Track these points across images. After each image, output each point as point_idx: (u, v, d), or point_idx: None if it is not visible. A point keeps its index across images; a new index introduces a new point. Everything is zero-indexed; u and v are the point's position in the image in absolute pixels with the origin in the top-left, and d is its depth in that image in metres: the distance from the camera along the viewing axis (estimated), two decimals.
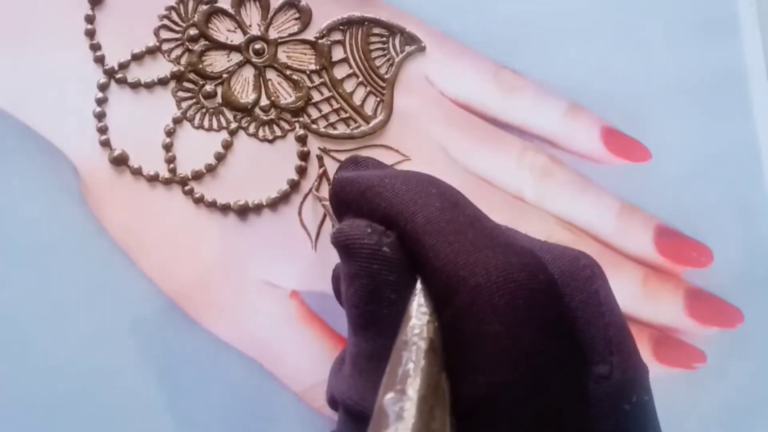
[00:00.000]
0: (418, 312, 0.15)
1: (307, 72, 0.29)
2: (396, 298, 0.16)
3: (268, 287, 0.28)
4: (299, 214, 0.28)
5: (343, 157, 0.28)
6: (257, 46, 0.29)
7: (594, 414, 0.15)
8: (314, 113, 0.29)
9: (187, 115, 0.28)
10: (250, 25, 0.29)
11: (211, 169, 0.28)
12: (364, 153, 0.28)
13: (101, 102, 0.28)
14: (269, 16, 0.29)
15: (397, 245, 0.16)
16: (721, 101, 0.30)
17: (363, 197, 0.18)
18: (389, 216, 0.17)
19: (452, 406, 0.14)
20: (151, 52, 0.28)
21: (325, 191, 0.28)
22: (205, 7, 0.28)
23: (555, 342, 0.15)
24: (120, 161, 0.28)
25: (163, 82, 0.28)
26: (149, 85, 0.28)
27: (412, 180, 0.18)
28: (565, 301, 0.16)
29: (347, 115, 0.29)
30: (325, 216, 0.27)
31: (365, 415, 0.15)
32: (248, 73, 0.29)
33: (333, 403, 0.20)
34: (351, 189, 0.19)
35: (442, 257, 0.15)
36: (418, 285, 0.16)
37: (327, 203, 0.25)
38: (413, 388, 0.14)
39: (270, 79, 0.29)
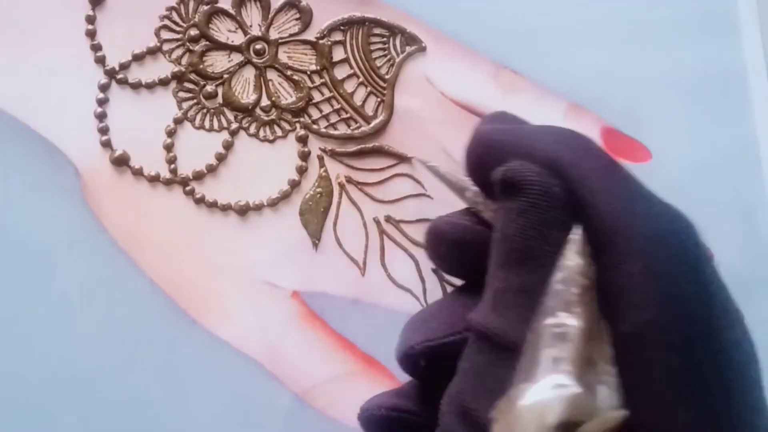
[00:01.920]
0: (579, 254, 0.16)
1: (308, 72, 0.29)
2: (560, 236, 0.16)
3: (269, 287, 0.28)
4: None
5: (342, 157, 0.28)
6: (258, 47, 0.29)
7: (730, 374, 0.16)
8: (315, 113, 0.29)
9: (188, 116, 0.28)
10: (251, 26, 0.29)
11: (212, 169, 0.28)
12: (366, 152, 0.28)
13: (102, 102, 0.28)
14: (270, 16, 0.29)
15: (564, 188, 0.17)
16: (721, 101, 0.30)
17: (521, 143, 0.18)
18: (552, 160, 0.17)
19: (611, 341, 0.15)
20: (152, 52, 0.28)
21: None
22: (205, 7, 0.28)
23: (706, 298, 0.16)
24: (121, 162, 0.28)
25: (164, 82, 0.28)
26: (150, 86, 0.28)
27: (573, 133, 0.18)
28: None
29: (348, 115, 0.29)
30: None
31: (511, 346, 0.16)
32: (249, 73, 0.29)
33: (407, 357, 0.20)
34: (505, 136, 0.19)
35: (608, 200, 0.16)
36: (578, 229, 0.16)
37: (436, 165, 0.25)
38: (576, 318, 0.15)
39: (271, 80, 0.29)
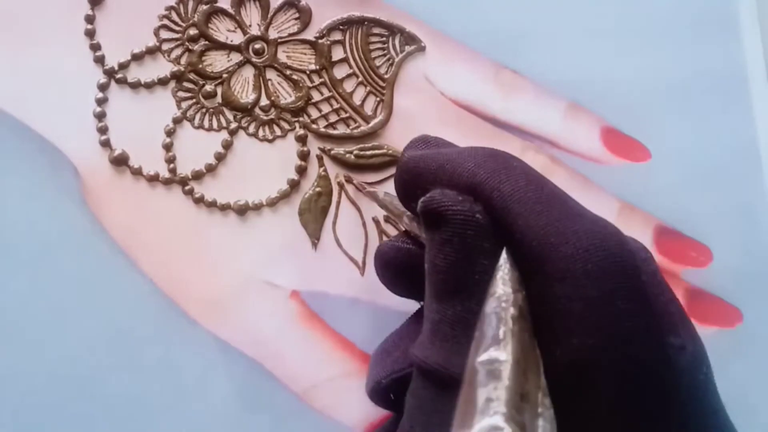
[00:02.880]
0: (505, 280, 0.16)
1: (307, 72, 0.29)
2: (487, 264, 0.16)
3: (269, 287, 0.28)
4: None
5: (343, 157, 0.28)
6: (257, 46, 0.29)
7: (675, 382, 0.15)
8: (314, 113, 0.29)
9: (187, 115, 0.28)
10: (250, 25, 0.29)
11: (211, 169, 0.28)
12: (369, 152, 0.28)
13: (101, 102, 0.28)
14: (269, 15, 0.29)
15: (485, 214, 0.16)
16: (722, 101, 0.30)
17: (442, 170, 0.18)
18: (473, 185, 0.17)
19: (545, 371, 0.15)
20: (151, 52, 0.28)
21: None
22: (205, 7, 0.28)
23: (643, 309, 0.15)
24: (120, 161, 0.28)
25: (163, 82, 0.28)
26: (149, 85, 0.28)
27: (494, 153, 0.18)
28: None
29: (347, 115, 0.29)
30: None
31: (450, 379, 0.16)
32: (248, 73, 0.29)
33: (376, 393, 0.20)
34: (427, 163, 0.19)
35: (531, 224, 0.16)
36: (504, 254, 0.16)
37: (375, 191, 0.25)
38: (507, 351, 0.14)
39: (270, 79, 0.29)
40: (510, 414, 0.13)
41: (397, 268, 0.21)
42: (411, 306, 0.28)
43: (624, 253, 0.15)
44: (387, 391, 0.20)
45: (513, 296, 0.15)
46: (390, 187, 0.28)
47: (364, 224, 0.28)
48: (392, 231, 0.28)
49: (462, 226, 0.16)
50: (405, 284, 0.21)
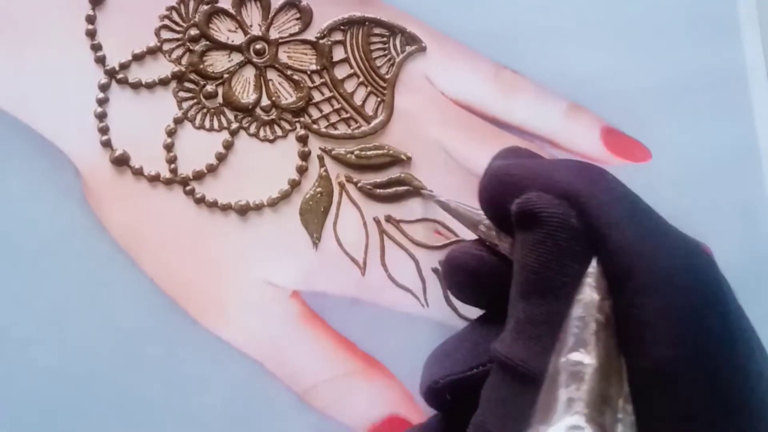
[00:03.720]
0: (594, 287, 0.16)
1: (308, 72, 0.29)
2: (577, 268, 0.16)
3: (269, 287, 0.28)
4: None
5: (344, 157, 0.28)
6: (258, 47, 0.29)
7: (755, 405, 0.15)
8: (315, 113, 0.29)
9: (188, 116, 0.28)
10: (251, 26, 0.29)
11: (212, 169, 0.28)
12: (370, 152, 0.28)
13: (102, 102, 0.28)
14: (270, 16, 0.29)
15: (581, 220, 0.17)
16: (721, 101, 0.30)
17: (538, 176, 0.18)
18: (570, 192, 0.17)
19: (629, 378, 0.15)
20: (152, 52, 0.28)
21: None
22: (205, 7, 0.28)
23: (727, 329, 0.15)
24: (121, 161, 0.28)
25: (164, 82, 0.28)
26: (150, 86, 0.28)
27: (590, 165, 0.18)
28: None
29: (348, 115, 0.29)
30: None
31: (532, 376, 0.16)
32: (249, 73, 0.29)
33: (432, 392, 0.20)
34: (520, 171, 0.19)
35: (626, 235, 0.16)
36: (594, 262, 0.16)
37: (447, 201, 0.25)
38: (591, 355, 0.15)
39: (271, 79, 0.29)
40: (591, 415, 0.13)
41: (467, 274, 0.21)
42: (412, 306, 0.28)
43: (714, 274, 0.16)
44: (443, 392, 0.20)
45: (600, 303, 0.16)
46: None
47: (364, 224, 0.28)
48: (392, 231, 0.28)
49: (556, 228, 0.17)
50: (474, 291, 0.21)
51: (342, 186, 0.28)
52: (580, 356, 0.15)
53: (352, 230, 0.28)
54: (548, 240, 0.17)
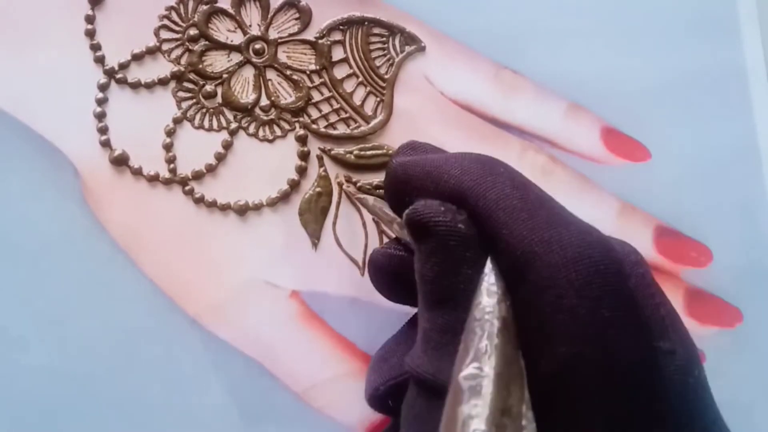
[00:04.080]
0: (490, 291, 0.16)
1: (307, 72, 0.29)
2: (472, 273, 0.16)
3: (269, 287, 0.28)
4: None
5: (343, 157, 0.28)
6: (257, 46, 0.29)
7: (664, 387, 0.15)
8: (314, 113, 0.29)
9: (188, 115, 0.28)
10: (250, 25, 0.29)
11: (211, 169, 0.28)
12: (369, 152, 0.28)
13: (101, 102, 0.28)
14: (269, 16, 0.29)
15: (470, 223, 0.16)
16: (721, 101, 0.30)
17: (429, 177, 0.18)
18: (459, 193, 0.17)
19: (529, 382, 0.15)
20: (152, 52, 0.28)
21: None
22: (205, 7, 0.28)
23: (629, 316, 0.15)
24: (120, 161, 0.28)
25: (163, 82, 0.28)
26: (149, 85, 0.28)
27: (480, 159, 0.18)
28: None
29: (347, 115, 0.29)
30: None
31: (441, 388, 0.16)
32: (248, 73, 0.29)
33: (375, 399, 0.20)
34: (414, 170, 0.19)
35: (516, 233, 0.16)
36: (488, 263, 0.16)
37: (366, 198, 0.25)
38: (489, 365, 0.14)
39: (270, 79, 0.29)
40: (491, 431, 0.13)
41: (390, 275, 0.21)
42: (409, 307, 0.28)
43: (609, 261, 0.15)
44: (386, 398, 0.20)
45: (497, 307, 0.15)
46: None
47: (364, 224, 0.28)
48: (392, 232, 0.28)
49: (445, 236, 0.16)
50: (399, 290, 0.21)
51: (341, 186, 0.28)
52: (477, 367, 0.14)
53: (351, 230, 0.28)
54: (439, 249, 0.16)
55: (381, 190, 0.28)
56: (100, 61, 0.28)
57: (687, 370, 0.16)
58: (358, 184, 0.28)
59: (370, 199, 0.24)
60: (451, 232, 0.16)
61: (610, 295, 0.15)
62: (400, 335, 0.21)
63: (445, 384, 0.15)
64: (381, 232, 0.28)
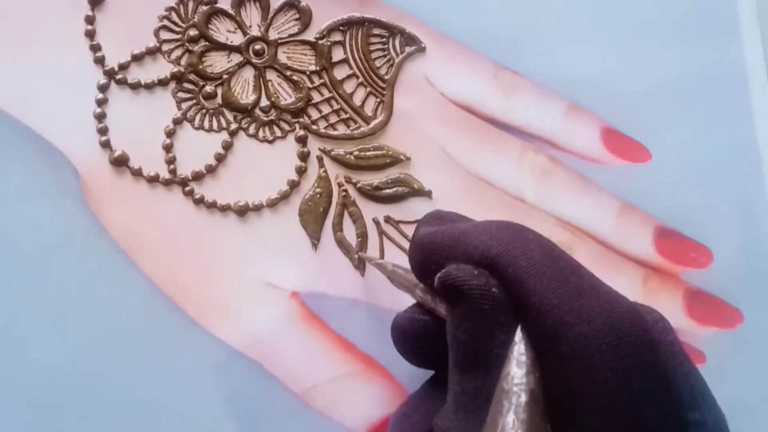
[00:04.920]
0: (519, 361, 0.15)
1: (307, 73, 0.29)
2: (505, 338, 0.16)
3: (269, 288, 0.28)
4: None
5: (343, 158, 0.28)
6: (257, 47, 0.29)
7: None
8: (314, 114, 0.29)
9: (188, 116, 0.28)
10: (250, 26, 0.29)
11: (211, 169, 0.28)
12: (369, 152, 0.28)
13: (101, 103, 0.28)
14: (269, 16, 0.29)
15: (502, 288, 0.16)
16: (721, 101, 0.30)
17: (458, 244, 0.18)
18: (488, 259, 0.17)
19: None
20: (151, 52, 0.28)
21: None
22: (205, 7, 0.28)
23: (658, 389, 0.15)
24: (120, 162, 0.28)
25: (163, 82, 0.28)
26: (149, 86, 0.28)
27: (508, 226, 0.18)
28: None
29: (347, 115, 0.29)
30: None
31: None
32: (248, 73, 0.29)
33: None
34: (442, 239, 0.19)
35: (546, 302, 0.16)
36: (518, 332, 0.16)
37: (384, 263, 0.25)
38: None
39: (270, 80, 0.29)
40: None
41: (414, 340, 0.21)
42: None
43: (639, 332, 0.15)
44: None
45: (525, 378, 0.15)
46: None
47: (364, 225, 0.28)
48: (392, 232, 0.28)
49: (479, 300, 0.16)
50: (422, 354, 0.21)
51: (341, 186, 0.28)
52: None
53: (351, 231, 0.28)
54: (473, 313, 0.16)
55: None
56: (100, 61, 0.28)
57: None
58: (359, 185, 0.28)
59: (389, 265, 0.24)
60: (485, 297, 0.16)
61: (640, 367, 0.15)
62: (423, 392, 0.21)
63: None
64: (381, 233, 0.28)
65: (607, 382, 0.14)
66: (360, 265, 0.28)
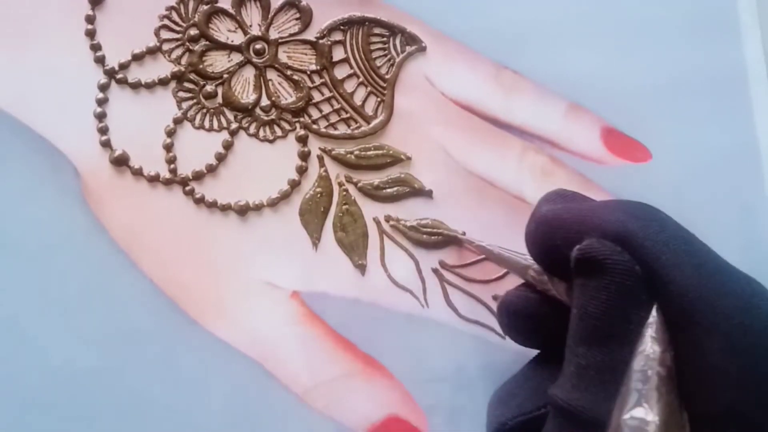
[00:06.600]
0: (655, 339, 0.16)
1: (308, 72, 0.29)
2: (642, 316, 0.16)
3: (269, 287, 0.28)
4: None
5: (343, 157, 0.28)
6: (258, 46, 0.29)
7: None
8: (315, 113, 0.29)
9: (188, 116, 0.28)
10: (251, 25, 0.29)
11: (211, 169, 0.28)
12: (370, 152, 0.28)
13: (102, 102, 0.28)
14: (270, 16, 0.29)
15: (639, 264, 0.17)
16: (721, 101, 0.30)
17: (588, 221, 0.18)
18: (624, 234, 0.17)
19: (692, 428, 0.15)
20: (152, 52, 0.28)
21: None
22: (205, 7, 0.28)
23: None
24: (120, 162, 0.28)
25: (163, 82, 0.28)
26: (150, 86, 0.28)
27: (641, 205, 0.18)
28: None
29: (348, 115, 0.29)
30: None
31: (597, 423, 0.16)
32: (249, 73, 0.29)
33: None
34: (570, 216, 0.19)
35: (687, 276, 0.16)
36: (654, 312, 0.16)
37: (489, 247, 0.25)
38: (654, 411, 0.14)
39: (270, 80, 0.29)
40: None
41: (526, 318, 0.21)
42: (412, 306, 0.28)
43: None
44: None
45: (661, 356, 0.15)
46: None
47: (364, 224, 0.28)
48: (392, 231, 0.28)
49: (621, 275, 0.16)
50: (531, 332, 0.21)
51: (342, 186, 0.28)
52: (642, 413, 0.14)
53: (351, 231, 0.28)
54: (612, 286, 0.16)
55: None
56: (100, 61, 0.28)
57: None
58: (359, 185, 0.28)
59: (495, 247, 0.24)
60: (629, 272, 0.16)
61: None
62: (528, 371, 0.21)
63: (601, 420, 0.15)
64: (381, 233, 0.28)
65: (749, 355, 0.15)
66: (360, 264, 0.28)
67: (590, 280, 0.17)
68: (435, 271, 0.28)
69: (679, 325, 0.16)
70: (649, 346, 0.16)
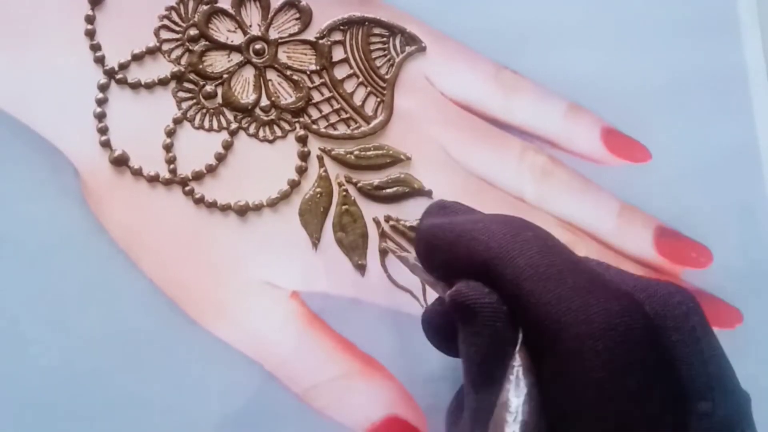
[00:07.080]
0: (516, 388, 0.15)
1: (308, 72, 0.29)
2: (512, 350, 0.16)
3: (269, 288, 0.28)
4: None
5: (343, 157, 0.28)
6: (257, 47, 0.29)
7: None
8: (315, 114, 0.29)
9: (188, 116, 0.28)
10: (251, 26, 0.29)
11: (211, 169, 0.28)
12: (369, 152, 0.28)
13: (101, 102, 0.28)
14: (269, 16, 0.29)
15: (501, 292, 0.17)
16: (721, 101, 0.30)
17: (458, 242, 0.18)
18: (487, 260, 0.17)
19: None
20: (152, 52, 0.28)
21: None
22: (205, 7, 0.28)
23: (657, 385, 0.15)
24: (120, 162, 0.28)
25: (163, 82, 0.28)
26: (149, 86, 0.28)
27: (508, 223, 0.18)
28: (663, 342, 0.16)
29: (348, 115, 0.29)
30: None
31: None
32: (248, 73, 0.29)
33: None
34: (444, 235, 0.19)
35: (543, 303, 0.15)
36: (517, 357, 0.16)
37: (406, 256, 0.25)
38: None
39: (270, 80, 0.29)
40: None
41: (444, 333, 0.21)
42: (412, 306, 0.28)
43: (638, 328, 0.15)
44: None
45: (521, 408, 0.15)
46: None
47: (364, 224, 0.28)
48: (392, 232, 0.28)
49: (491, 317, 0.16)
50: (453, 345, 0.21)
51: (342, 186, 0.28)
52: None
53: (351, 231, 0.28)
54: (485, 331, 0.16)
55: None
56: (100, 61, 0.28)
57: (726, 430, 0.15)
58: (359, 185, 0.28)
59: (411, 258, 0.24)
60: (497, 314, 0.16)
61: (637, 365, 0.15)
62: (460, 400, 0.21)
63: None
64: (381, 233, 0.28)
65: (603, 383, 0.14)
66: (360, 264, 0.28)
67: (466, 326, 0.17)
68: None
69: (542, 353, 0.15)
70: (512, 396, 0.15)
